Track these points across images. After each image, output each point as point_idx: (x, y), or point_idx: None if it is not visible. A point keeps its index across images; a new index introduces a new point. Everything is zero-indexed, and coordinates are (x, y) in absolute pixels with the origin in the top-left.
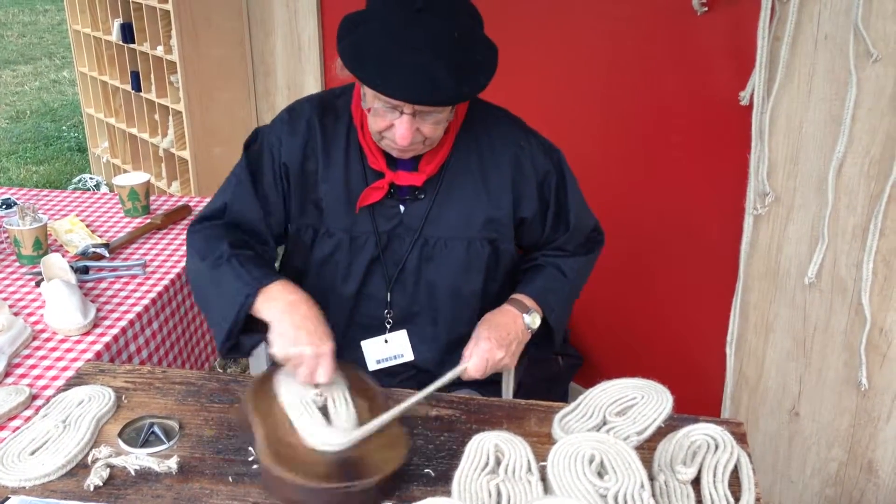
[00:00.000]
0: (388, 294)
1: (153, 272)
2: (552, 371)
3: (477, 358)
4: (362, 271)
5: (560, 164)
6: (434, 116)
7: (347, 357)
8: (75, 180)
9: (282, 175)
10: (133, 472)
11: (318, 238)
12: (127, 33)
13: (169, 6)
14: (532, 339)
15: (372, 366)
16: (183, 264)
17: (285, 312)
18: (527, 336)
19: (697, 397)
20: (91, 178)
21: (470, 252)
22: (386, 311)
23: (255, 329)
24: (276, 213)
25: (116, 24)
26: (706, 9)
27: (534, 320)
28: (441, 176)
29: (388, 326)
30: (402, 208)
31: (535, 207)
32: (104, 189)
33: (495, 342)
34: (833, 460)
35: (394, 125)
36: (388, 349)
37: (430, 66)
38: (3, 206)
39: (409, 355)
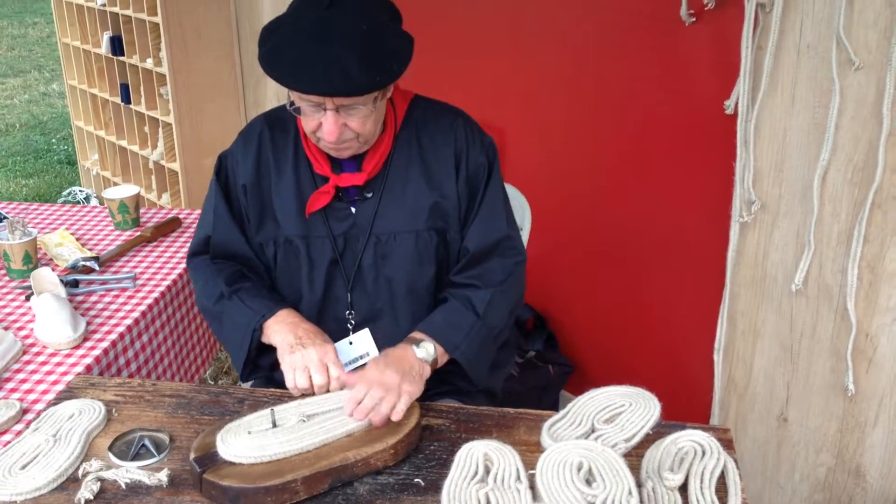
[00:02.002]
0: (349, 295)
1: (143, 285)
2: (543, 379)
3: (351, 402)
4: (324, 275)
5: (493, 161)
6: (358, 110)
7: None
8: (65, 193)
9: (244, 196)
10: (124, 486)
11: (279, 248)
12: (116, 46)
13: (158, 19)
14: (457, 375)
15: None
16: (173, 277)
17: (288, 333)
18: (423, 367)
19: (686, 404)
20: (81, 191)
21: (419, 244)
22: (347, 312)
23: (270, 349)
24: (252, 233)
25: (106, 37)
26: (694, 19)
27: (427, 350)
28: (385, 173)
29: (351, 328)
30: (353, 210)
31: (465, 197)
32: (94, 202)
33: (374, 385)
34: (821, 465)
35: (322, 123)
36: (353, 350)
37: (340, 58)
38: None
39: (374, 353)
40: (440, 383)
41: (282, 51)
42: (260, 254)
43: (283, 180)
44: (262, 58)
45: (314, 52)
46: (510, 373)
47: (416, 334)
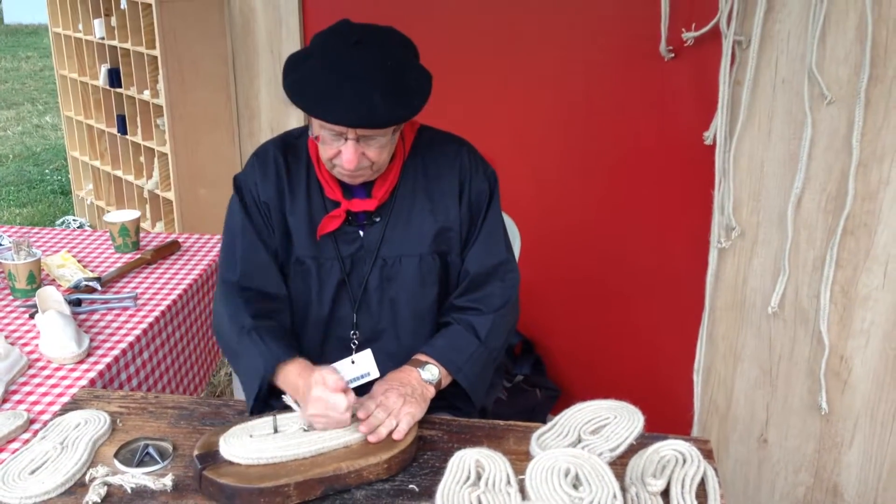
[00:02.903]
0: (354, 315)
1: (144, 304)
2: (531, 403)
3: (377, 418)
4: (331, 295)
5: (493, 189)
6: (377, 140)
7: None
8: (58, 222)
9: (266, 213)
10: (129, 490)
11: (291, 267)
12: (114, 78)
13: (157, 52)
14: (456, 396)
15: None
16: (172, 297)
17: (300, 383)
18: (427, 389)
19: (670, 425)
20: (74, 220)
21: (422, 267)
22: (352, 331)
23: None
24: (277, 250)
25: (104, 70)
26: (673, 55)
27: (431, 372)
28: (393, 199)
29: (354, 347)
30: (361, 233)
31: (466, 222)
32: (88, 230)
33: (378, 407)
34: (800, 485)
35: (341, 151)
36: (355, 369)
37: (367, 92)
38: None
39: (375, 373)
40: (439, 399)
41: (310, 82)
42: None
43: (296, 203)
44: (289, 86)
45: (342, 85)
46: (499, 396)
47: (421, 356)
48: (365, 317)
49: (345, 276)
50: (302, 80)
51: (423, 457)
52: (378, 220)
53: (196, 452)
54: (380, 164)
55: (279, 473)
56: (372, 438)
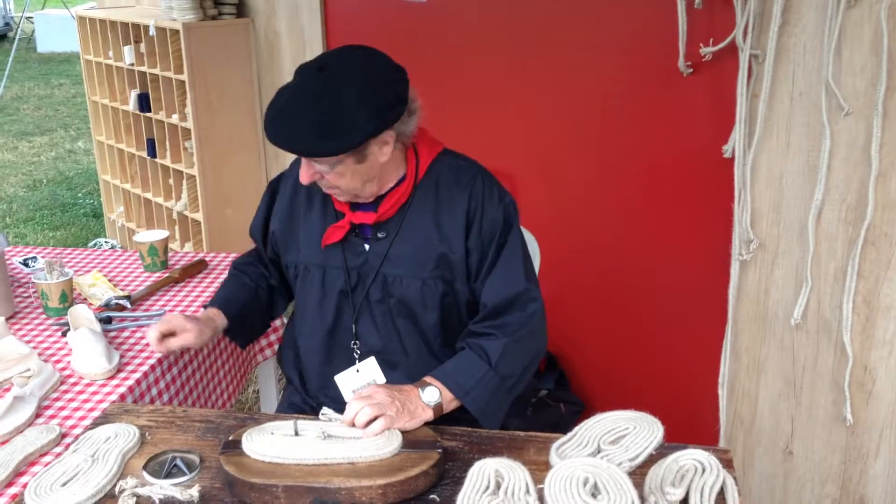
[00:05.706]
0: (354, 326)
1: None
2: (554, 418)
3: (353, 407)
4: (334, 304)
5: (511, 218)
6: (322, 166)
7: (327, 394)
8: (91, 244)
9: (281, 213)
10: (158, 501)
11: (300, 274)
12: (143, 103)
13: (184, 77)
14: (470, 422)
15: (349, 397)
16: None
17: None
18: (422, 409)
19: (695, 439)
20: (106, 242)
21: (424, 290)
22: (352, 342)
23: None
24: (272, 243)
25: (133, 95)
26: (691, 70)
27: (431, 395)
28: (401, 219)
29: (357, 356)
30: (367, 247)
31: (477, 251)
32: (119, 251)
33: (370, 398)
34: (827, 497)
35: None
36: (360, 378)
37: (299, 119)
38: (24, 265)
39: (381, 379)
40: (451, 421)
41: (273, 99)
42: (284, 270)
43: (312, 211)
44: None
45: (286, 108)
46: (522, 412)
47: (427, 378)
48: (367, 329)
49: (349, 287)
50: (273, 96)
51: (443, 467)
52: (383, 236)
53: (229, 437)
54: (346, 188)
55: (276, 473)
56: (358, 424)
